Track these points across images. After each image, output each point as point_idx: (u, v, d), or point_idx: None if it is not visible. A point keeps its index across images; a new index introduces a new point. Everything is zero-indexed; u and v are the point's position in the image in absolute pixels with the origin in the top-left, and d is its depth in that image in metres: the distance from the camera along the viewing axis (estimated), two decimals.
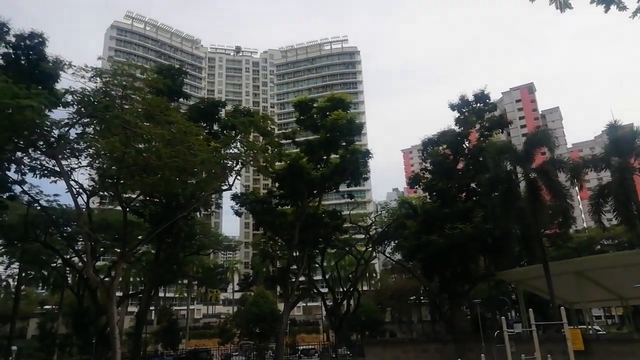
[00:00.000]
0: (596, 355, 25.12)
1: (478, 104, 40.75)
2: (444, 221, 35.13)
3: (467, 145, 40.98)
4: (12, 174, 29.04)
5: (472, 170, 39.57)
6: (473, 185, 40.03)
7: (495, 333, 28.90)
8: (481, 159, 37.53)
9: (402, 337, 52.97)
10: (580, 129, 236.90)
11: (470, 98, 40.78)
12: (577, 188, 36.06)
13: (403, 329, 68.40)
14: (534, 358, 19.53)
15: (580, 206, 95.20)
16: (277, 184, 41.91)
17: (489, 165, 32.48)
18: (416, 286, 59.81)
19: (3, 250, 46.29)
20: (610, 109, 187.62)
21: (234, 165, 28.94)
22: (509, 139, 59.81)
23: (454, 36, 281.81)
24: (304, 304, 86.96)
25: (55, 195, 38.22)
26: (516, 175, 31.86)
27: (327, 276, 53.88)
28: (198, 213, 45.42)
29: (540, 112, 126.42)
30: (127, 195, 29.18)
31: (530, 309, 21.70)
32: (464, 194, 40.52)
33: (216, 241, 57.47)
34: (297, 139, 42.58)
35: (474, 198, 38.94)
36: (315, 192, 40.39)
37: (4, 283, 67.84)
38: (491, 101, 41.57)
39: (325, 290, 55.26)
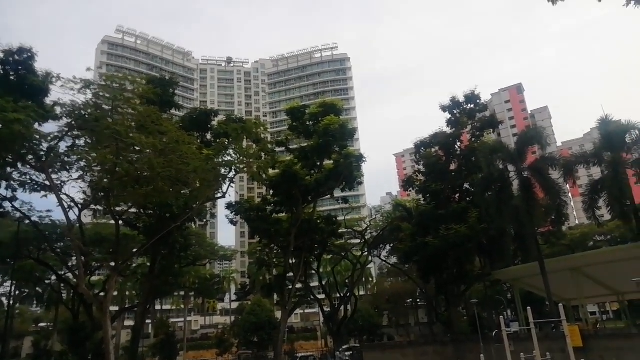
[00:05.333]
0: (595, 352, 25.12)
1: (469, 105, 40.84)
2: (439, 222, 35.09)
3: (459, 146, 40.98)
4: (2, 191, 28.92)
5: (465, 171, 39.56)
6: (467, 185, 40.11)
7: (494, 333, 28.91)
8: (474, 159, 37.55)
9: (401, 341, 52.73)
10: (570, 129, 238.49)
11: (461, 99, 40.87)
12: (568, 185, 36.28)
13: (401, 332, 68.14)
14: (533, 356, 19.41)
15: (572, 203, 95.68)
16: (271, 191, 41.79)
17: (482, 165, 32.48)
18: (412, 289, 59.85)
19: None
20: (601, 105, 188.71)
21: (227, 172, 28.85)
22: (499, 139, 60.23)
23: (442, 39, 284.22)
24: (302, 311, 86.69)
25: (48, 211, 37.94)
26: (509, 174, 31.91)
27: (323, 282, 53.71)
28: (193, 223, 45.10)
29: (529, 112, 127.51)
30: (120, 208, 28.92)
31: (529, 307, 21.62)
32: (457, 195, 40.53)
33: (212, 251, 57.00)
34: (290, 146, 42.55)
35: (468, 198, 38.93)
36: (310, 198, 40.31)
37: None
38: (482, 102, 41.65)
39: (322, 296, 55.00)
